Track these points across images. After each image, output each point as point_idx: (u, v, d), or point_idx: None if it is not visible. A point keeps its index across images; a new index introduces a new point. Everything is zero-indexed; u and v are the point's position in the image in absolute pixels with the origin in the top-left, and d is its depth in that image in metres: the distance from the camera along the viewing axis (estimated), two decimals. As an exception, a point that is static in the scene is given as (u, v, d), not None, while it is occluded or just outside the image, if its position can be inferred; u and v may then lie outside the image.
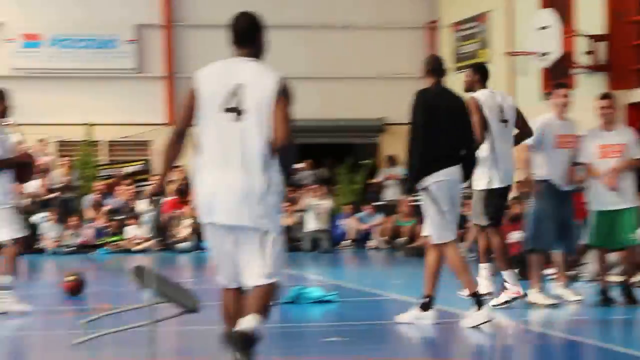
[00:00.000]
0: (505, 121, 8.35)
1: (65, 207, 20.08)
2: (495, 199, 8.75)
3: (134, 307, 6.88)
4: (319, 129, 21.68)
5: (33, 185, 19.63)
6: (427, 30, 22.94)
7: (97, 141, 21.42)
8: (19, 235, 9.14)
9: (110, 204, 20.15)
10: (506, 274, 8.65)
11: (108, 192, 20.48)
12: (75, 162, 21.04)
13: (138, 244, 19.40)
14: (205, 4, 21.97)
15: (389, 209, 20.90)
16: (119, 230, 19.42)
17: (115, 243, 19.34)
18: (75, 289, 11.13)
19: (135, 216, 19.96)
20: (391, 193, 21.77)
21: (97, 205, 20.04)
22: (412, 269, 15.02)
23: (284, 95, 5.32)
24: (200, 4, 22.19)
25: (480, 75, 8.65)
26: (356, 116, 22.77)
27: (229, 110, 5.45)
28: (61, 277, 12.00)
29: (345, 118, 22.75)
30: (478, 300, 7.64)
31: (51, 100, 21.07)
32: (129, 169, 21.72)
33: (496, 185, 8.63)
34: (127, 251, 19.15)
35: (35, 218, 19.01)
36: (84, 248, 19.34)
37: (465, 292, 7.77)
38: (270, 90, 5.27)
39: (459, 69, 19.94)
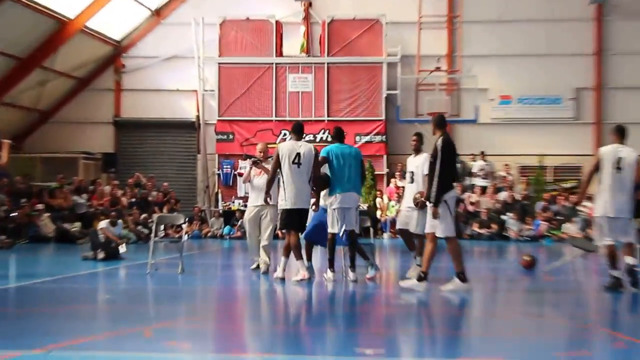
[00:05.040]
0: (298, 163, 11.94)
1: (523, 210, 25.52)
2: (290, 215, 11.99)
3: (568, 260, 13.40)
4: None
5: (503, 195, 25.86)
6: None
7: (545, 166, 27.71)
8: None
9: (553, 209, 25.36)
10: (298, 263, 12.10)
11: (552, 200, 25.74)
12: (530, 180, 27.37)
13: (576, 236, 21.95)
14: (629, 70, 28.05)
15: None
16: (558, 227, 24.39)
17: (556, 235, 24.02)
18: (530, 265, 14.23)
19: (570, 217, 24.03)
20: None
21: (545, 210, 25.30)
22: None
23: (637, 162, 10.74)
24: (624, 70, 28.03)
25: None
26: None
27: (614, 167, 10.83)
28: (519, 257, 15.55)
29: None
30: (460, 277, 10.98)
31: (514, 138, 27.77)
32: (566, 185, 26.99)
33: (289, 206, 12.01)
34: (562, 240, 22.74)
35: (504, 217, 25.22)
36: (536, 238, 24.25)
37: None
38: (633, 161, 10.64)
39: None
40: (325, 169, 12.43)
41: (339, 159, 12.24)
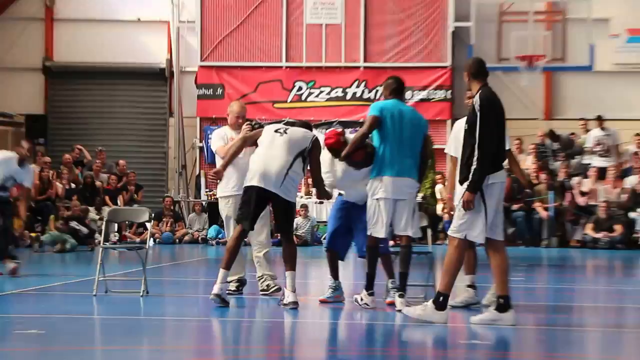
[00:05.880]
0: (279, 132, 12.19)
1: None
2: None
3: None
4: None
5: (632, 181, 26.12)
6: None
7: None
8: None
9: None
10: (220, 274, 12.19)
11: None
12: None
13: None
14: None
15: None
16: None
17: None
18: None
19: None
20: None
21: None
22: None
23: None
24: None
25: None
26: None
27: None
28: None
29: None
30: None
31: (651, 95, 27.75)
32: None
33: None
34: None
35: (633, 214, 25.42)
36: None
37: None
38: None
39: None
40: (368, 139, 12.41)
41: (394, 121, 12.12)
